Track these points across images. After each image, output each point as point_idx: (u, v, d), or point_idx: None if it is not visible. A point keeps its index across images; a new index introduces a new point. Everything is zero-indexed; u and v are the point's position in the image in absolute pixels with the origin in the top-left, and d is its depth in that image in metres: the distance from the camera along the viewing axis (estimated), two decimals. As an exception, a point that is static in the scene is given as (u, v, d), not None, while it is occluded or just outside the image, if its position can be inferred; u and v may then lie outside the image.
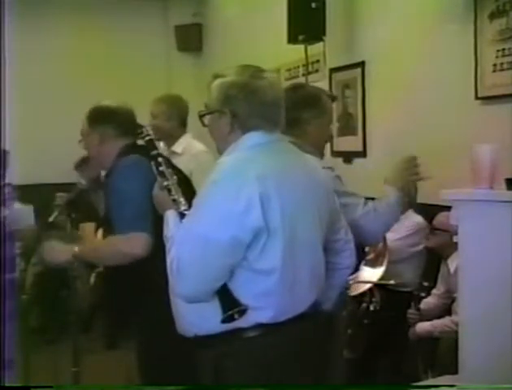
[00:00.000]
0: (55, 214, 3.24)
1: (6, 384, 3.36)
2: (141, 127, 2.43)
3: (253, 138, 2.00)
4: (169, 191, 2.13)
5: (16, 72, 5.89)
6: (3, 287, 3.74)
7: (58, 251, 2.65)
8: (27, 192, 4.49)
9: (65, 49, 6.90)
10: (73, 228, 3.12)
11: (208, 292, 1.91)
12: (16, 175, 4.54)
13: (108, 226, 2.59)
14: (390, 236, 3.87)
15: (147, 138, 2.34)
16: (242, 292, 1.92)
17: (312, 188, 2.05)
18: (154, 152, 2.27)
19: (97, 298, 4.41)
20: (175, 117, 3.77)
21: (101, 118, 2.76)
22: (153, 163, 2.22)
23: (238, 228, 1.86)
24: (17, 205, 4.55)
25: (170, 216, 2.08)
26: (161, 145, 3.61)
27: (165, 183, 2.15)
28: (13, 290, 3.67)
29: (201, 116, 2.08)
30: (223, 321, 1.91)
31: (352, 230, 2.32)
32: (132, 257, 2.40)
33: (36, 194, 4.65)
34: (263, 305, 1.94)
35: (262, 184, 1.88)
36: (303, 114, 2.63)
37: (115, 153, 2.69)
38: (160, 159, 2.23)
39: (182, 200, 2.09)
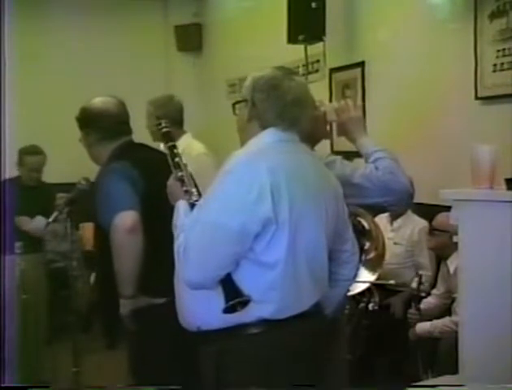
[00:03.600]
0: (55, 214, 3.23)
1: (6, 384, 3.37)
2: (159, 119, 2.48)
3: (268, 135, 2.06)
4: (182, 182, 2.15)
5: (17, 72, 5.88)
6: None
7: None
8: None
9: (64, 50, 6.89)
10: (73, 228, 3.11)
11: (213, 279, 1.92)
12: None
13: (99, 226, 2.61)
14: (424, 260, 4.04)
15: (164, 130, 2.37)
16: (246, 284, 1.93)
17: (321, 190, 2.07)
18: (170, 143, 2.30)
19: (97, 298, 4.41)
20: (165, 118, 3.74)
21: (85, 122, 2.77)
22: (168, 154, 2.26)
23: (248, 217, 1.89)
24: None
25: (180, 206, 2.09)
26: (161, 146, 3.62)
27: (179, 173, 2.17)
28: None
29: (233, 105, 2.17)
30: (225, 311, 1.90)
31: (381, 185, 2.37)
32: (125, 230, 2.46)
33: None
34: (266, 298, 1.94)
35: (273, 176, 1.92)
36: None
37: (106, 155, 2.70)
38: (176, 150, 2.26)
39: (194, 190, 2.12)
